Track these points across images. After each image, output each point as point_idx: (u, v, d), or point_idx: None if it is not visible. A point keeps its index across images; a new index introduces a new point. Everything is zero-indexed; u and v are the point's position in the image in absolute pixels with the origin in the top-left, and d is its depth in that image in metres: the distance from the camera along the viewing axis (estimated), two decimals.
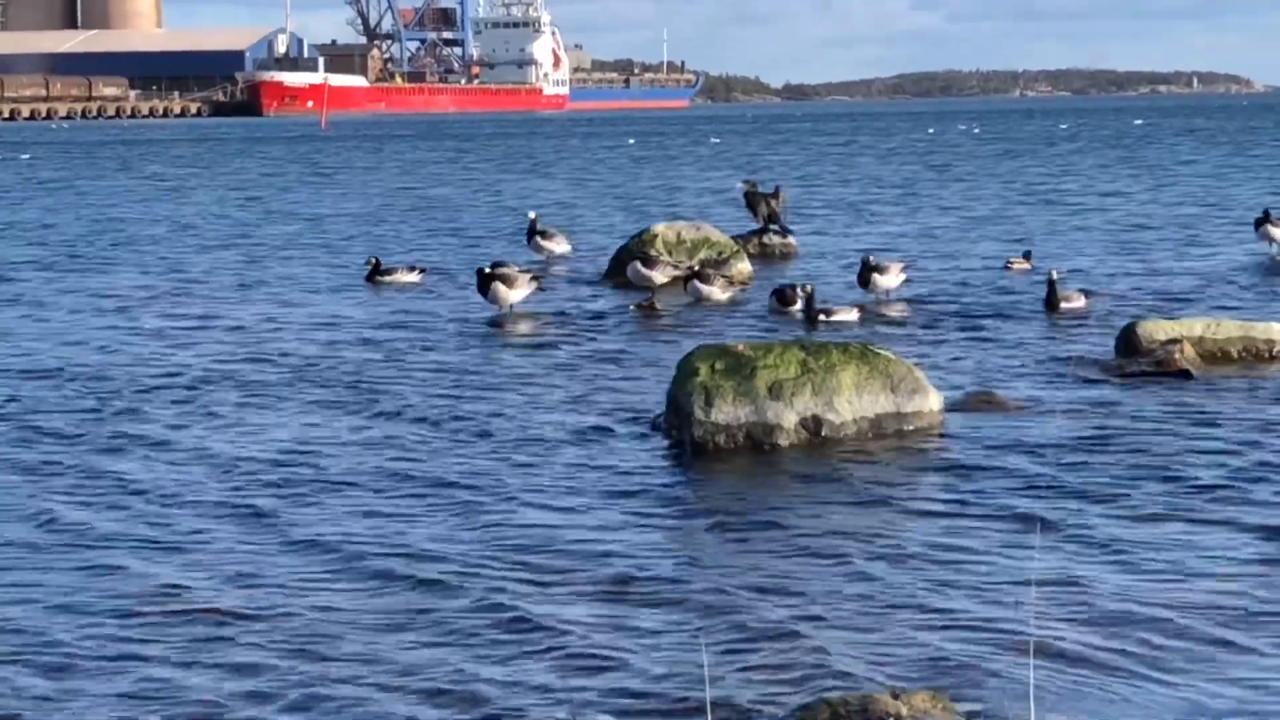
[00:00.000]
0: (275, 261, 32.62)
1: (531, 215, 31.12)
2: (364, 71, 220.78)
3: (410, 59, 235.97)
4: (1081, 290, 23.01)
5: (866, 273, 23.82)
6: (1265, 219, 28.72)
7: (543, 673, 9.32)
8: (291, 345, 21.44)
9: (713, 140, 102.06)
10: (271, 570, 11.35)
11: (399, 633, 10.03)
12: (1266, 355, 18.48)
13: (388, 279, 27.86)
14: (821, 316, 21.42)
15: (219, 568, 11.42)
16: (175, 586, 10.99)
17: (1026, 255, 28.64)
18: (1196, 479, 13.29)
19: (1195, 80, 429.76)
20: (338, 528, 12.43)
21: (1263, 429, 15.01)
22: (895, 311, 23.22)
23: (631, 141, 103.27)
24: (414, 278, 27.93)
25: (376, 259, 28.86)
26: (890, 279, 23.78)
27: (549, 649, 9.69)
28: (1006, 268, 27.93)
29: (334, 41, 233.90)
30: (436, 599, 10.63)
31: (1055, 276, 22.90)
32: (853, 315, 21.68)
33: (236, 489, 13.66)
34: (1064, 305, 22.29)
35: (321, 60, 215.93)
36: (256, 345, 21.50)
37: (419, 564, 11.36)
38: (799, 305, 22.41)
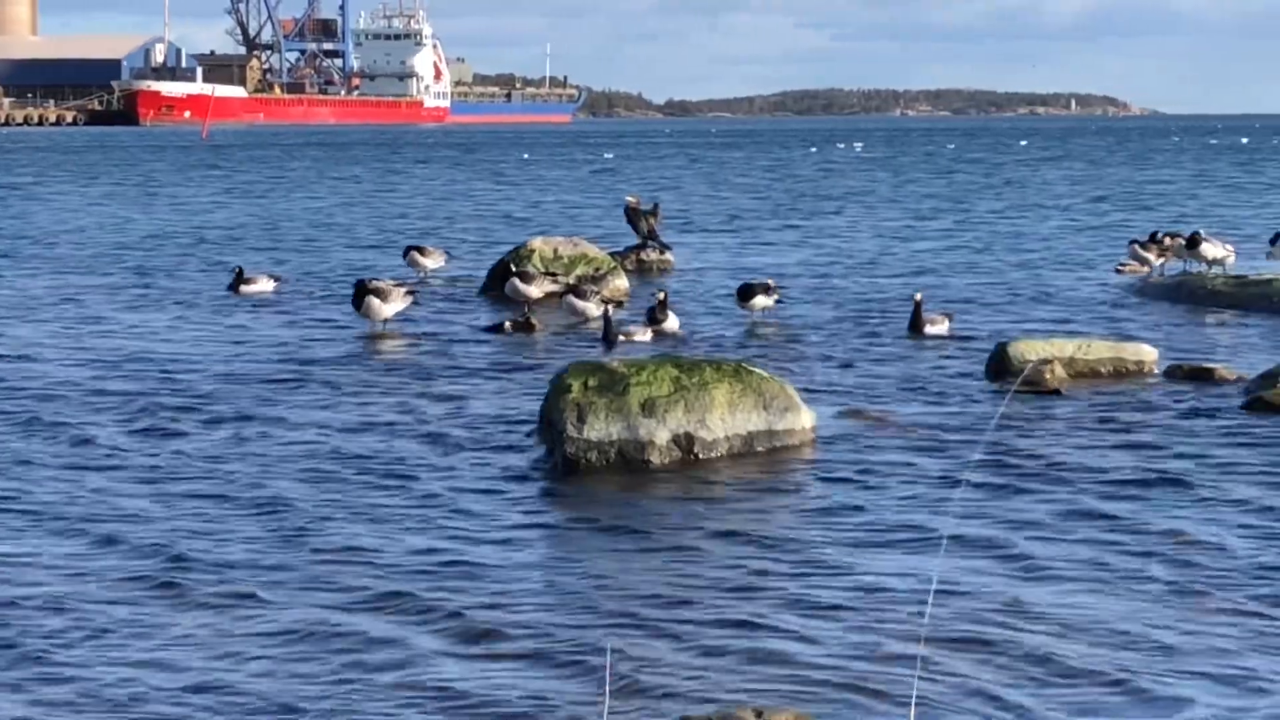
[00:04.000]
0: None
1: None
2: (242, 82, 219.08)
3: (290, 70, 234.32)
4: (945, 314, 23.07)
5: (745, 291, 23.93)
6: (1136, 241, 29.08)
7: (401, 697, 9.26)
8: (140, 361, 21.20)
9: (605, 155, 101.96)
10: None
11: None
12: (1136, 376, 18.68)
13: (250, 288, 28.38)
14: (621, 338, 21.47)
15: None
16: None
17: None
18: (1067, 497, 13.39)
19: (1073, 102, 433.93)
20: (214, 558, 12.30)
21: (1129, 447, 15.17)
22: (770, 330, 23.31)
23: (526, 156, 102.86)
24: (271, 286, 28.56)
25: (240, 268, 29.27)
26: (767, 298, 23.88)
27: (409, 670, 9.62)
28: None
29: (212, 52, 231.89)
30: (276, 611, 10.54)
31: (918, 299, 22.95)
32: (647, 336, 21.73)
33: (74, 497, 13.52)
34: (928, 329, 22.35)
35: (199, 70, 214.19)
36: (109, 356, 21.26)
37: (246, 578, 11.28)
38: (669, 322, 22.43)
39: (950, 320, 22.72)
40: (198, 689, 9.31)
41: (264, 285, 28.64)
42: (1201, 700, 9.02)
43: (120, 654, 9.91)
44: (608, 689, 8.58)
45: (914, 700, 8.45)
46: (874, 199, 55.78)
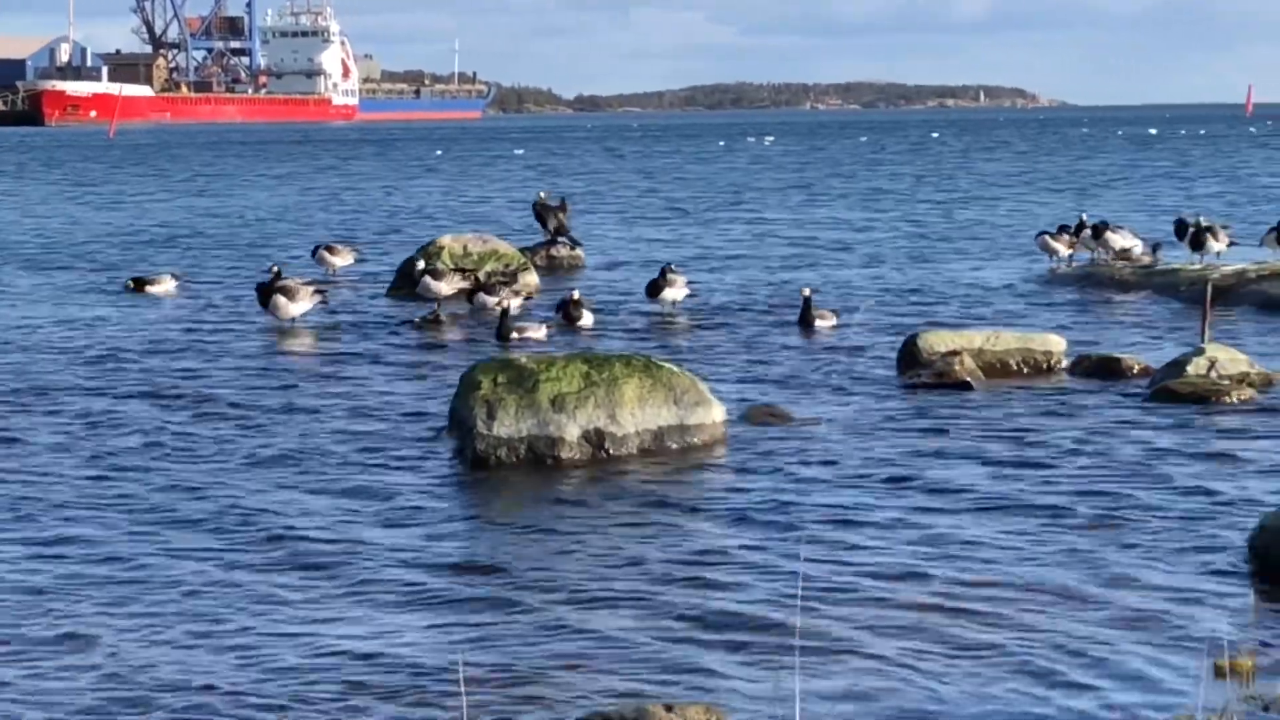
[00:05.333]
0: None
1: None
2: (149, 81, 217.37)
3: (197, 68, 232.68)
4: (833, 310, 23.12)
5: (654, 285, 23.97)
6: (1044, 232, 29.28)
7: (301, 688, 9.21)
8: (51, 360, 21.01)
9: (516, 152, 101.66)
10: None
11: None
12: (1044, 366, 18.78)
13: (154, 288, 28.28)
14: (514, 335, 21.43)
15: None
16: None
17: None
18: (975, 487, 13.45)
19: (982, 94, 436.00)
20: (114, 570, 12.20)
21: (1033, 436, 15.25)
22: (680, 324, 23.33)
23: (439, 152, 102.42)
24: (174, 285, 28.45)
25: (138, 277, 29.14)
26: (676, 291, 23.93)
27: (315, 659, 9.57)
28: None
29: (118, 51, 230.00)
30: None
31: (807, 294, 22.97)
32: (541, 333, 21.69)
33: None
34: (819, 323, 22.39)
35: (105, 69, 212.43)
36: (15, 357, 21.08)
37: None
38: (585, 320, 22.48)
39: (838, 315, 22.81)
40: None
41: (167, 285, 28.44)
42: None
43: None
44: (463, 692, 8.56)
45: (797, 694, 8.48)
46: (788, 192, 55.87)
